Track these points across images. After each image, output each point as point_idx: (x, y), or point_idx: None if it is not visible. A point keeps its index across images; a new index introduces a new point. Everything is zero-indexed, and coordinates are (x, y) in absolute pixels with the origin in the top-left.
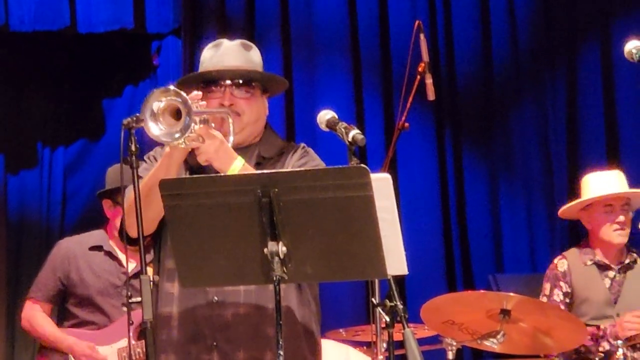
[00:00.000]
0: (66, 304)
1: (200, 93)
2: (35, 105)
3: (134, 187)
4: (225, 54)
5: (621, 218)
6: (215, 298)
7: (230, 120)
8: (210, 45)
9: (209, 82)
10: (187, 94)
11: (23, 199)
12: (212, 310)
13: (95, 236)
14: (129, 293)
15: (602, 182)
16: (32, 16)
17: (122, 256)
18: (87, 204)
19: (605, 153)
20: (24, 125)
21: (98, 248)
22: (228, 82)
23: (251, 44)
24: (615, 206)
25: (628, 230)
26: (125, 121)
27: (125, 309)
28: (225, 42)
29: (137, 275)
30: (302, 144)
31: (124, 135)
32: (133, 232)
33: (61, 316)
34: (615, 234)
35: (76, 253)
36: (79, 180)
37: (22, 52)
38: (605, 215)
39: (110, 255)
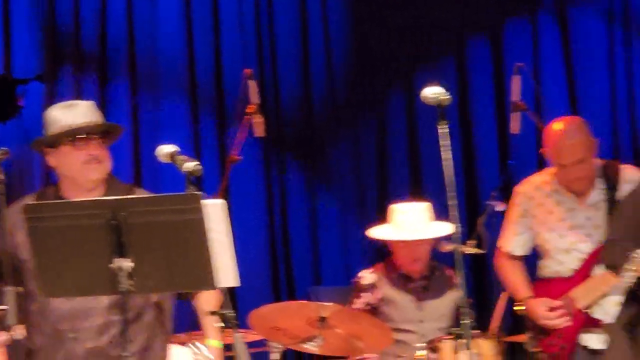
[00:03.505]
0: None
1: None
2: None
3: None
4: (83, 113)
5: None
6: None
7: None
8: (61, 105)
9: (76, 137)
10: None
11: None
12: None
13: None
14: None
15: (405, 219)
16: None
17: None
18: None
19: (409, 184)
20: None
21: None
22: (96, 136)
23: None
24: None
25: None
26: None
27: None
28: (80, 103)
29: None
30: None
31: None
32: None
33: None
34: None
35: None
36: None
37: None
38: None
39: None
